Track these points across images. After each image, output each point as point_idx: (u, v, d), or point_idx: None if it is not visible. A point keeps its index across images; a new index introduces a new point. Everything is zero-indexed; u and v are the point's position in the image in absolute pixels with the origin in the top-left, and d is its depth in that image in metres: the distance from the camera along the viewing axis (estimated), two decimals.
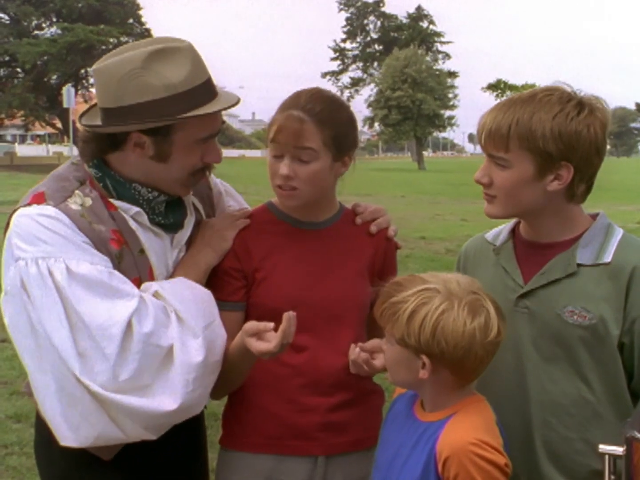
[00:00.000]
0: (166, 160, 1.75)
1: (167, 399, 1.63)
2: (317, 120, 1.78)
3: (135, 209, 1.76)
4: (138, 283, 1.72)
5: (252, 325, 1.69)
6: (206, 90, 1.75)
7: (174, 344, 1.65)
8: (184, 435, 1.89)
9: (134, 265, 1.74)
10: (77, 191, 1.73)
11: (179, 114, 1.69)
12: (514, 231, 1.81)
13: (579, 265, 1.67)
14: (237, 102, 1.81)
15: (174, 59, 1.71)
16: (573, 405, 1.67)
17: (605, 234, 1.70)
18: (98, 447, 1.71)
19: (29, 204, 1.70)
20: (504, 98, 1.73)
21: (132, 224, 1.76)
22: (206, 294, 1.77)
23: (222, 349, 1.74)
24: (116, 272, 1.67)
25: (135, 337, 1.61)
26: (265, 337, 1.67)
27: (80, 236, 1.66)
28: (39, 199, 1.71)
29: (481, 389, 1.70)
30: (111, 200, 1.76)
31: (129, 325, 1.61)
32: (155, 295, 1.70)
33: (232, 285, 1.87)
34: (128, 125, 1.70)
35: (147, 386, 1.63)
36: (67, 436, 1.64)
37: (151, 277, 1.77)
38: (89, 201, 1.72)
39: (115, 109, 1.70)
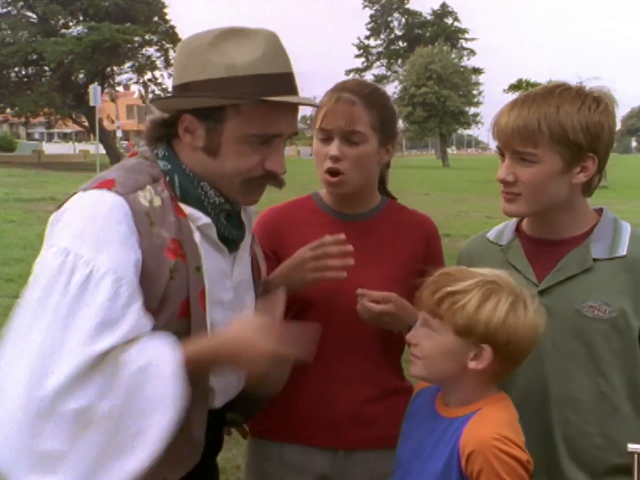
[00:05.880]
0: (216, 155, 1.57)
1: None
2: (366, 102, 1.82)
3: (205, 219, 1.59)
4: (186, 306, 1.54)
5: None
6: (277, 83, 1.55)
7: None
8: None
9: (184, 284, 1.53)
10: (149, 186, 1.55)
11: (234, 97, 1.52)
12: (517, 229, 1.82)
13: (594, 259, 1.68)
14: (307, 102, 1.64)
15: (246, 42, 1.54)
16: (592, 400, 1.67)
17: (614, 228, 1.72)
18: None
19: (95, 188, 1.52)
20: (515, 98, 1.73)
21: (197, 237, 1.57)
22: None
23: None
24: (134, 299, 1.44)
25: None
26: None
27: (131, 235, 1.48)
28: (108, 184, 1.52)
29: (500, 387, 1.70)
30: (182, 205, 1.58)
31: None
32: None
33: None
34: (175, 100, 1.57)
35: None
36: None
37: (202, 299, 1.56)
38: (158, 201, 1.54)
39: (177, 86, 1.58)
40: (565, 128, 1.62)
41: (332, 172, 1.84)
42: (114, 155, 32.21)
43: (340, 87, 1.85)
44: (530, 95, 1.68)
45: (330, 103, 1.82)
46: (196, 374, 1.49)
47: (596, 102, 1.66)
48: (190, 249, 1.55)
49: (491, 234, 1.87)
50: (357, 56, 72.41)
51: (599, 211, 1.77)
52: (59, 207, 1.54)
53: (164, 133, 1.62)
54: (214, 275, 1.60)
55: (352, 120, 1.80)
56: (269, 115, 1.55)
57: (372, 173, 1.90)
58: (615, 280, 1.67)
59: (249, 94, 1.52)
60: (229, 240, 1.66)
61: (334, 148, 1.81)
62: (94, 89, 27.59)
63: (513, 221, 1.84)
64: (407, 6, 71.91)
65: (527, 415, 1.67)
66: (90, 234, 1.45)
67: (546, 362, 1.70)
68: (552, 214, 1.73)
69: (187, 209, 1.58)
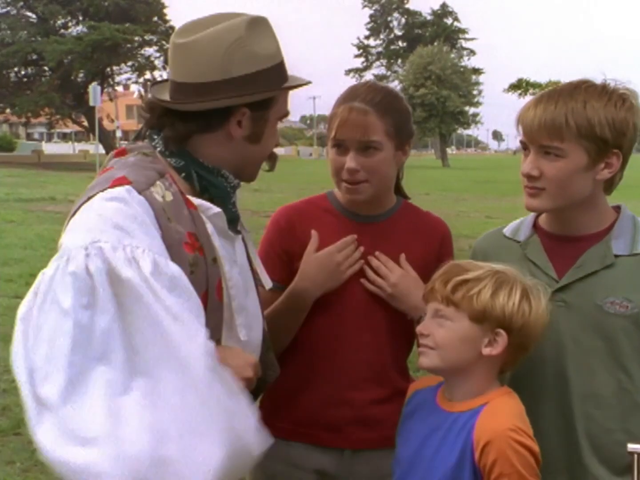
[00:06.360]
0: (259, 141, 1.63)
1: None
2: (378, 110, 1.81)
3: (215, 209, 1.57)
4: (205, 298, 1.51)
5: None
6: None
7: None
8: None
9: (204, 277, 1.52)
10: (158, 182, 1.52)
11: (280, 84, 1.61)
12: (534, 225, 1.82)
13: (615, 256, 1.69)
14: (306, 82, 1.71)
15: (267, 30, 1.62)
16: (613, 396, 1.68)
17: (633, 225, 1.74)
18: None
19: (110, 187, 1.46)
20: (540, 93, 1.74)
21: (209, 228, 1.56)
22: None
23: None
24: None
25: None
26: None
27: (158, 234, 1.45)
28: (121, 181, 1.47)
29: (519, 383, 1.71)
30: (190, 197, 1.56)
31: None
32: None
33: (275, 266, 1.88)
34: (242, 97, 1.56)
35: None
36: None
37: (219, 289, 1.56)
38: (169, 196, 1.51)
39: (220, 82, 1.55)
40: (592, 123, 1.63)
41: (350, 183, 1.85)
42: None
43: (352, 96, 1.84)
44: (556, 91, 1.69)
45: (343, 114, 1.81)
46: None
47: (622, 99, 1.67)
48: (206, 241, 1.55)
49: (507, 230, 1.87)
50: (357, 56, 72.48)
51: (616, 208, 1.78)
52: (74, 214, 1.47)
53: (201, 128, 1.58)
54: (230, 263, 1.61)
55: (366, 131, 1.79)
56: (286, 97, 1.68)
57: (390, 177, 1.91)
58: (637, 277, 1.68)
59: (283, 80, 1.63)
60: (232, 221, 1.66)
61: (350, 160, 1.81)
62: (93, 88, 27.59)
63: (530, 217, 1.84)
64: (407, 6, 71.99)
65: (548, 411, 1.69)
66: (127, 225, 1.40)
67: (567, 358, 1.70)
68: (573, 210, 1.73)
69: (195, 200, 1.56)
